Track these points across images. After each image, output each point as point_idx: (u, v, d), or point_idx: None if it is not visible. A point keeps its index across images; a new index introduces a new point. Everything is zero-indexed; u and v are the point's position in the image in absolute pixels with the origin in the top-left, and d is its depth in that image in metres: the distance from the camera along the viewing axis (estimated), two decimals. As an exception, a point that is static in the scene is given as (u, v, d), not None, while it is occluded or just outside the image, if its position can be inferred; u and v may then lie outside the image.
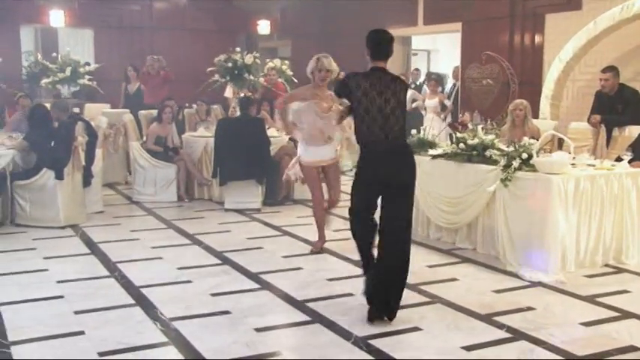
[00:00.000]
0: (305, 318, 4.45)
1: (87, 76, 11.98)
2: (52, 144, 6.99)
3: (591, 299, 4.85)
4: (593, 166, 5.79)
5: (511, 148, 5.74)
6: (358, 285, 5.11)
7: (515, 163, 5.51)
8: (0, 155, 6.84)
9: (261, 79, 10.88)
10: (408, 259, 4.40)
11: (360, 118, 4.43)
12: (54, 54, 12.23)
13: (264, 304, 4.72)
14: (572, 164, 5.63)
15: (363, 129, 4.45)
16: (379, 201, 4.52)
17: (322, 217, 6.21)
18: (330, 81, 6.05)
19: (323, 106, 5.86)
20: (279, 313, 4.55)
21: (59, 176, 6.81)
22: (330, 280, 5.29)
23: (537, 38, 10.21)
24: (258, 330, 4.21)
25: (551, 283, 5.17)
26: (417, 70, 12.94)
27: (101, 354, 3.83)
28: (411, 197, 4.55)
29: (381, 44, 4.49)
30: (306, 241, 6.52)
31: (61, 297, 4.81)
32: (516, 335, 4.16)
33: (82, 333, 4.13)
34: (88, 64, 12.38)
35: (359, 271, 5.49)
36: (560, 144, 6.98)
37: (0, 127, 8.84)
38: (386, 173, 4.41)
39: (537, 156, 5.50)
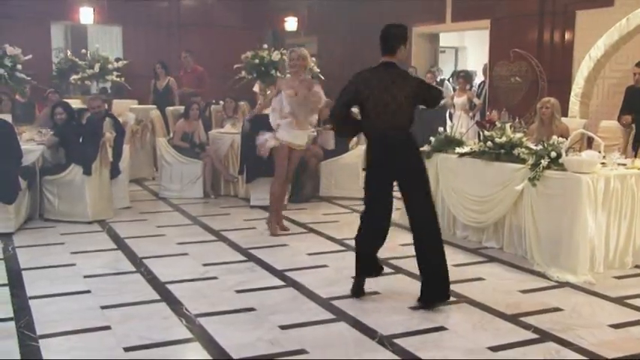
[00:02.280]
0: (330, 316, 4.43)
1: (115, 73, 12.10)
2: (81, 140, 7.07)
3: (620, 301, 4.77)
4: (624, 165, 5.69)
5: (539, 147, 5.68)
6: (384, 283, 5.11)
7: (544, 162, 5.44)
8: (29, 150, 6.92)
9: (288, 76, 10.85)
10: (439, 240, 4.66)
11: (367, 112, 4.55)
12: (83, 51, 12.38)
13: (289, 302, 4.72)
14: (602, 163, 5.53)
15: (369, 122, 4.58)
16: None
17: (279, 194, 6.67)
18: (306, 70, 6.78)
19: (288, 92, 6.35)
20: (304, 311, 4.54)
21: (87, 172, 6.88)
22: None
23: (567, 35, 10.05)
24: (282, 327, 4.21)
25: (579, 283, 5.10)
26: (431, 69, 12.82)
27: (127, 349, 3.86)
28: (426, 184, 4.63)
29: (385, 39, 4.57)
30: (331, 238, 6.51)
31: (88, 292, 4.86)
32: (543, 336, 4.10)
33: (108, 328, 4.17)
34: (119, 59, 12.50)
35: (385, 269, 5.48)
36: (589, 143, 6.87)
37: (30, 123, 8.95)
38: (391, 161, 4.53)
39: (566, 155, 5.42)
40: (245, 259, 5.80)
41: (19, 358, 3.75)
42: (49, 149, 7.16)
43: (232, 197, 8.58)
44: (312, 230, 6.88)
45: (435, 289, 4.58)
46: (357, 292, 4.80)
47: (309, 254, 5.94)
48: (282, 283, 5.12)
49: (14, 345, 3.89)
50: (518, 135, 6.00)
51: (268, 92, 8.51)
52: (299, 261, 5.73)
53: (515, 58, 10.73)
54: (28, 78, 9.79)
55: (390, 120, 4.49)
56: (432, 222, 4.61)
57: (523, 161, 5.70)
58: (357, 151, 8.70)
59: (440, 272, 4.59)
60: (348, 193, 8.39)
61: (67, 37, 14.01)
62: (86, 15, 12.59)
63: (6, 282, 5.07)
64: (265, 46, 10.76)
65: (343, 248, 6.15)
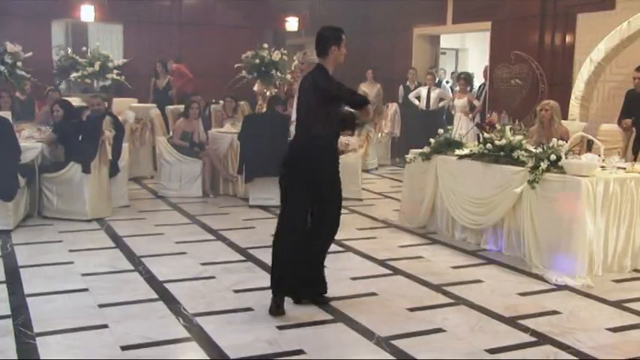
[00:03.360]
0: (328, 317, 4.43)
1: (115, 71, 12.09)
2: (80, 138, 7.06)
3: (619, 304, 4.76)
4: (624, 168, 5.69)
5: (539, 150, 5.67)
6: (382, 284, 5.10)
7: (544, 165, 5.44)
8: (29, 148, 6.91)
9: (288, 76, 10.88)
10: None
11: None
12: (84, 48, 12.37)
13: (287, 302, 4.69)
14: (602, 167, 5.54)
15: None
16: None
17: None
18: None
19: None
20: (301, 311, 4.53)
21: (86, 170, 6.87)
22: (354, 279, 5.26)
23: (568, 38, 10.05)
24: (280, 328, 4.21)
25: (577, 286, 5.09)
26: (431, 70, 12.81)
27: (124, 348, 3.85)
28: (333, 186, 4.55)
29: (316, 41, 4.52)
30: (329, 239, 6.49)
31: (85, 290, 4.85)
32: (541, 339, 4.10)
33: (105, 326, 4.16)
34: (118, 66, 12.51)
35: (383, 270, 5.51)
36: (589, 146, 6.86)
37: (29, 120, 8.94)
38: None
39: (566, 158, 5.41)
40: (243, 258, 5.80)
41: (15, 356, 3.74)
42: (48, 147, 7.15)
43: (231, 197, 8.57)
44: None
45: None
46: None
47: (308, 255, 5.92)
48: (280, 284, 5.10)
49: (11, 343, 3.88)
50: (518, 137, 6.00)
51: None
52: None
53: (516, 61, 10.73)
54: (28, 75, 9.79)
55: (303, 121, 4.48)
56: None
57: (522, 164, 5.70)
58: (357, 152, 8.72)
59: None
60: (347, 193, 8.28)
61: (67, 35, 13.98)
62: (87, 13, 12.57)
63: (3, 279, 5.06)
64: (266, 45, 10.75)
65: (341, 249, 6.13)
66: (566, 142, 5.75)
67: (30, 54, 9.79)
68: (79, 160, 6.89)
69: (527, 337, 4.13)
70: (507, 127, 6.27)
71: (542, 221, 5.46)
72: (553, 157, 5.44)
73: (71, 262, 5.56)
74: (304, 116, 4.45)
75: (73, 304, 4.56)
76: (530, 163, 5.58)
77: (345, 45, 4.46)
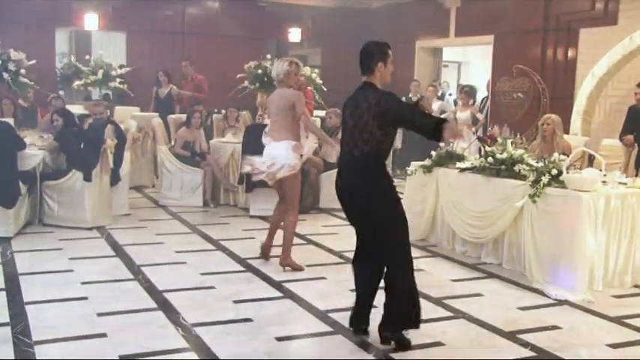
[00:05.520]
0: (327, 329, 4.42)
1: (118, 79, 12.13)
2: (82, 146, 7.07)
3: (619, 320, 4.75)
4: (625, 184, 5.68)
5: (540, 164, 5.67)
6: (381, 297, 5.06)
7: (545, 179, 5.44)
8: (31, 155, 6.92)
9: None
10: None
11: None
12: (87, 56, 12.40)
13: (287, 313, 4.71)
14: (603, 182, 5.53)
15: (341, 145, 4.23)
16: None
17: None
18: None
19: None
20: (300, 323, 4.53)
21: (87, 178, 6.88)
22: (354, 290, 5.23)
23: (570, 52, 10.09)
24: (279, 339, 4.20)
25: (577, 302, 5.07)
26: (433, 83, 12.83)
27: (122, 357, 3.84)
28: (381, 227, 4.12)
29: (360, 58, 4.17)
30: (330, 250, 6.49)
31: (85, 298, 4.85)
32: (541, 354, 4.08)
33: (104, 335, 4.15)
34: (122, 66, 12.54)
35: (382, 283, 5.47)
36: (591, 161, 6.87)
37: (32, 128, 8.96)
38: (343, 194, 4.21)
39: (567, 172, 5.41)
40: (243, 269, 5.79)
41: (13, 364, 3.74)
42: (50, 154, 7.17)
43: (232, 207, 8.57)
44: (310, 242, 6.87)
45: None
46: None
47: (308, 266, 5.91)
48: (280, 295, 5.10)
49: (9, 351, 3.88)
50: (520, 151, 6.00)
51: None
52: (297, 273, 5.70)
53: (518, 74, 10.77)
54: (31, 83, 9.81)
55: (350, 142, 4.07)
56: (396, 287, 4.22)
57: (524, 178, 5.70)
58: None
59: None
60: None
61: (71, 43, 14.04)
62: (91, 21, 12.63)
63: (3, 287, 5.06)
64: (269, 56, 10.78)
65: (342, 261, 6.13)
66: (568, 156, 5.75)
67: (33, 61, 9.82)
68: (81, 168, 6.90)
69: (526, 352, 4.11)
70: (509, 141, 6.28)
71: (542, 235, 5.46)
72: (554, 171, 5.45)
73: (71, 270, 5.56)
74: (364, 139, 3.99)
75: (72, 313, 4.56)
76: (532, 177, 5.58)
77: (392, 62, 4.12)
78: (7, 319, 4.37)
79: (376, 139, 3.97)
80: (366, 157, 4.00)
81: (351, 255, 6.24)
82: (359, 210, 4.14)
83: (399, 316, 4.09)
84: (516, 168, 5.83)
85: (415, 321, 4.07)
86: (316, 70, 12.47)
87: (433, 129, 3.81)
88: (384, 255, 4.16)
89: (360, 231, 4.33)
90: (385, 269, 4.17)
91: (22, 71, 9.56)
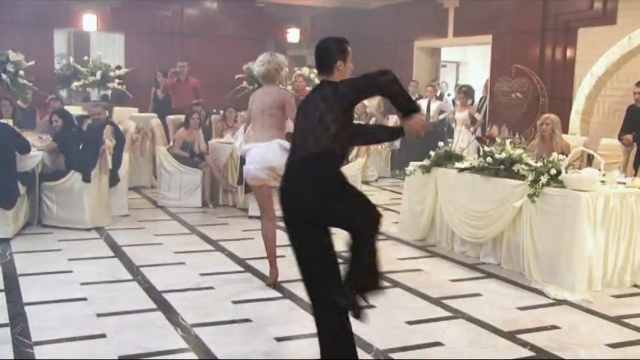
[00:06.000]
0: (326, 329, 4.41)
1: (117, 80, 12.13)
2: (80, 147, 7.07)
3: (618, 320, 4.75)
4: (624, 184, 5.69)
5: (539, 164, 5.68)
6: (380, 297, 5.07)
7: (544, 179, 5.44)
8: (30, 156, 6.91)
9: (289, 87, 10.90)
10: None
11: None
12: (85, 57, 12.41)
13: (286, 313, 4.71)
14: (602, 181, 5.53)
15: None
16: None
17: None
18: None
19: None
20: (300, 323, 4.52)
21: (86, 179, 6.88)
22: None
23: (569, 52, 10.10)
24: (278, 339, 4.20)
25: (576, 301, 5.08)
26: (432, 82, 12.84)
27: (122, 358, 3.84)
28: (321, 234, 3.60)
29: (317, 56, 3.73)
30: (329, 250, 6.48)
31: (84, 299, 4.85)
32: (540, 354, 4.09)
33: (103, 336, 4.15)
34: (120, 67, 12.54)
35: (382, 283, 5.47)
36: (590, 160, 6.87)
37: (31, 129, 8.95)
38: (288, 201, 3.56)
39: (566, 172, 5.42)
40: (242, 269, 5.79)
41: (13, 365, 3.74)
42: (49, 155, 7.16)
43: (231, 207, 8.56)
44: (310, 242, 6.85)
45: None
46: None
47: (307, 266, 5.91)
48: (279, 295, 5.10)
49: (9, 351, 3.88)
50: (518, 151, 6.00)
51: None
52: (296, 272, 5.64)
53: (517, 74, 10.78)
54: (30, 84, 9.81)
55: (304, 141, 3.52)
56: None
57: (522, 177, 5.70)
58: (357, 163, 8.74)
59: None
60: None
61: (69, 44, 14.02)
62: (89, 22, 12.63)
63: (2, 287, 5.06)
64: (267, 56, 10.76)
65: (340, 261, 6.10)
66: (567, 156, 5.75)
67: (32, 63, 9.82)
68: (80, 169, 6.89)
69: (525, 352, 4.11)
70: (507, 141, 6.28)
71: (541, 235, 5.46)
72: (553, 171, 5.45)
73: (70, 271, 5.55)
74: (317, 137, 3.48)
75: (71, 313, 4.56)
76: (531, 177, 5.58)
77: (352, 59, 3.77)
78: (7, 320, 4.37)
79: (328, 136, 3.43)
80: (314, 159, 3.47)
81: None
82: (304, 220, 3.53)
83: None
84: (515, 168, 5.83)
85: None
86: (314, 70, 12.49)
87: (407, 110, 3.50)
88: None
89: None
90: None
91: (21, 72, 9.57)
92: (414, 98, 12.44)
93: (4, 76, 9.36)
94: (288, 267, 5.86)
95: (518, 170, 5.80)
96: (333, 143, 3.45)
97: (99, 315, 4.52)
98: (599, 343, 4.32)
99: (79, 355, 3.89)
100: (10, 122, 7.83)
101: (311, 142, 3.46)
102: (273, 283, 5.30)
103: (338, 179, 3.53)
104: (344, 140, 3.53)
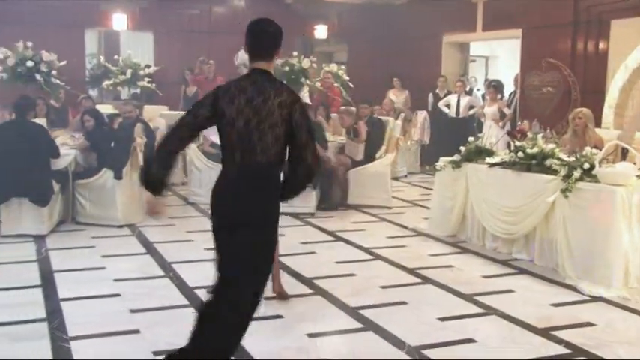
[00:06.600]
0: (358, 325, 4.41)
1: (146, 79, 12.24)
2: (112, 145, 7.16)
3: (656, 317, 4.67)
4: (660, 178, 5.58)
5: (572, 158, 5.60)
6: (412, 293, 5.07)
7: (577, 174, 5.36)
8: (63, 155, 7.01)
9: (317, 84, 10.91)
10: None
11: (225, 132, 3.26)
12: (116, 57, 12.54)
13: (317, 310, 4.71)
14: (637, 176, 5.43)
15: (224, 146, 3.29)
16: None
17: None
18: None
19: None
20: (331, 319, 4.53)
21: (118, 176, 6.96)
22: (384, 287, 5.24)
23: (602, 45, 9.93)
24: (310, 335, 4.20)
25: (612, 298, 4.99)
26: (462, 77, 12.74)
27: (155, 353, 3.88)
28: (261, 252, 3.32)
29: (259, 37, 3.32)
30: (360, 247, 6.48)
31: (117, 295, 4.91)
32: (575, 351, 4.03)
33: (137, 332, 4.20)
34: (148, 66, 12.66)
35: (413, 279, 5.48)
36: (624, 155, 6.75)
37: (63, 127, 9.09)
38: (232, 209, 3.26)
39: (600, 166, 5.34)
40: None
41: (51, 358, 3.80)
42: (81, 153, 7.26)
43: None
44: (340, 238, 6.86)
45: None
46: None
47: (338, 262, 5.92)
48: (310, 291, 5.11)
49: (47, 346, 3.95)
50: (550, 146, 5.92)
51: None
52: (327, 269, 5.71)
53: (548, 68, 10.62)
54: (63, 83, 9.95)
55: (249, 143, 3.20)
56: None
57: (555, 172, 5.63)
58: (386, 159, 8.71)
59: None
60: (377, 201, 8.38)
61: (100, 44, 14.21)
62: (119, 21, 12.78)
63: (39, 283, 5.15)
64: (295, 53, 10.80)
65: (371, 257, 6.12)
66: (600, 150, 5.67)
67: (64, 62, 9.96)
68: (112, 167, 6.98)
69: (561, 349, 4.06)
70: (539, 136, 6.20)
71: (575, 231, 5.39)
72: (586, 165, 5.37)
73: (103, 268, 5.63)
74: (266, 140, 3.21)
75: (105, 309, 4.62)
76: (563, 172, 5.51)
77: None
78: (44, 315, 4.45)
79: (277, 147, 3.21)
80: (267, 169, 3.23)
81: (381, 251, 6.29)
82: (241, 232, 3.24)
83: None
84: (547, 163, 5.76)
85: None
86: (342, 67, 12.48)
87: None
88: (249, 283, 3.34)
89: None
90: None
91: (54, 72, 9.70)
92: (442, 94, 12.32)
93: (38, 76, 9.51)
94: (319, 263, 5.90)
95: (551, 165, 5.72)
96: (280, 156, 3.26)
97: (132, 311, 4.57)
98: (636, 340, 4.25)
99: (114, 350, 3.94)
100: (44, 121, 7.95)
101: (260, 151, 3.19)
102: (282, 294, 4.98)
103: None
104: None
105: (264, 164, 3.22)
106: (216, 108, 3.24)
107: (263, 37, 3.34)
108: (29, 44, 9.87)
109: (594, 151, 5.57)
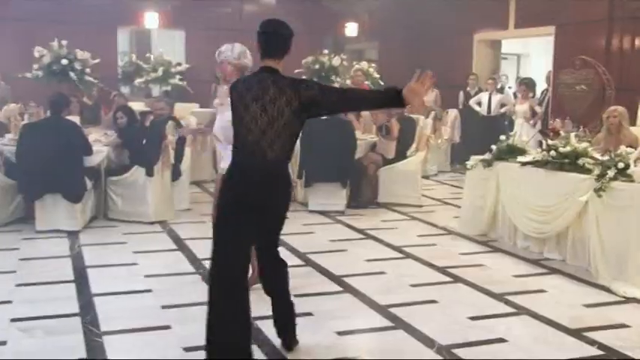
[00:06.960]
0: (387, 323, 4.40)
1: (177, 76, 12.36)
2: (144, 142, 7.23)
3: (692, 319, 4.58)
4: (697, 177, 5.46)
5: (606, 157, 5.51)
6: (442, 292, 5.04)
7: (611, 173, 5.27)
8: (95, 152, 7.10)
9: (348, 82, 10.90)
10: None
11: (235, 129, 3.56)
12: (147, 54, 12.68)
13: (347, 308, 4.71)
14: (674, 175, 5.33)
15: (236, 142, 3.58)
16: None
17: None
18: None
19: None
20: (361, 318, 4.52)
21: (149, 173, 7.03)
22: (414, 285, 5.22)
23: (638, 42, 9.75)
24: (339, 333, 4.20)
25: (647, 300, 4.92)
26: (493, 75, 12.62)
27: (186, 349, 3.92)
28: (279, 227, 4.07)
29: (271, 37, 3.66)
30: (390, 245, 6.46)
31: (149, 291, 4.96)
32: (609, 353, 3.97)
33: (168, 327, 4.24)
34: (179, 64, 12.78)
35: (443, 278, 5.45)
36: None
37: (96, 125, 9.22)
38: (254, 200, 3.66)
39: (635, 166, 5.24)
40: (303, 263, 5.82)
41: (85, 353, 3.86)
42: (113, 150, 7.36)
43: (291, 202, 8.58)
44: (370, 236, 6.84)
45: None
46: None
47: (368, 260, 5.91)
48: (340, 289, 5.10)
49: (81, 340, 4.01)
50: (584, 145, 5.84)
51: None
52: (357, 267, 5.70)
53: (581, 66, 10.46)
54: (96, 81, 10.09)
55: (260, 140, 3.48)
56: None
57: (588, 172, 5.55)
58: (417, 158, 8.66)
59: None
60: (407, 200, 8.34)
61: (132, 42, 14.37)
62: (151, 20, 12.92)
63: (72, 279, 5.23)
64: (326, 51, 10.81)
65: (402, 255, 6.10)
66: (635, 149, 5.57)
67: (98, 60, 10.10)
68: (143, 164, 7.05)
69: (594, 350, 4.00)
70: (572, 134, 6.12)
71: (609, 231, 5.30)
72: (621, 164, 5.28)
73: (135, 264, 5.69)
74: (275, 137, 3.49)
75: (137, 305, 4.67)
76: (597, 171, 5.42)
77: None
78: (77, 310, 4.51)
79: (288, 142, 3.52)
80: (280, 163, 3.60)
81: (411, 250, 6.27)
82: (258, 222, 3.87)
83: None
84: (580, 162, 5.67)
85: None
86: (373, 65, 12.45)
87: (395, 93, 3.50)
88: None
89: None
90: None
91: (87, 70, 9.85)
92: (473, 92, 12.28)
93: (71, 74, 9.66)
94: (350, 261, 5.89)
95: (584, 164, 5.64)
96: (290, 151, 3.62)
97: (163, 307, 4.62)
98: (671, 342, 4.17)
99: (146, 345, 3.98)
100: (78, 119, 8.07)
101: (268, 145, 3.48)
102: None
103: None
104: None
105: (272, 160, 3.49)
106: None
107: (276, 38, 3.67)
108: (64, 43, 10.04)
109: (629, 150, 5.48)
